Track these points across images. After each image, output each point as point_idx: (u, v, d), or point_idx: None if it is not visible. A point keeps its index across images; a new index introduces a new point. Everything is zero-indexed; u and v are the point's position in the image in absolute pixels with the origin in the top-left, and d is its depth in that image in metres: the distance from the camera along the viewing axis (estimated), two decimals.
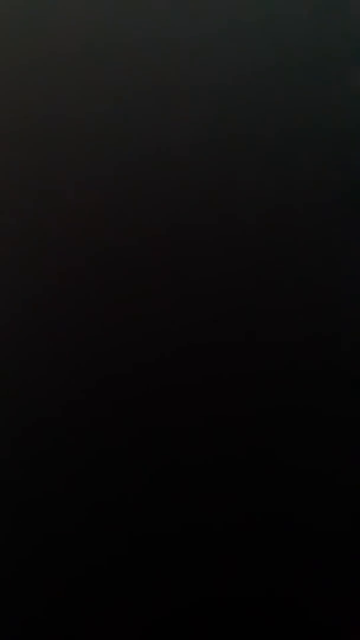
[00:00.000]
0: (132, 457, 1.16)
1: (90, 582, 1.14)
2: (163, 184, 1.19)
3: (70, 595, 1.13)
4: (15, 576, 1.13)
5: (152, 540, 1.14)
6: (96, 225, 1.19)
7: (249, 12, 1.22)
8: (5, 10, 1.21)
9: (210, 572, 1.14)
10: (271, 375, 1.17)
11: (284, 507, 1.15)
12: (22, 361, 1.17)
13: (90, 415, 1.16)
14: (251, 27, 1.21)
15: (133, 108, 1.21)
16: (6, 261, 1.18)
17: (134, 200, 1.19)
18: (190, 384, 1.17)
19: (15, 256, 1.18)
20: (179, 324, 1.18)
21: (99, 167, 1.20)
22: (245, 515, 1.15)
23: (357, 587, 1.14)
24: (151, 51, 1.21)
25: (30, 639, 1.13)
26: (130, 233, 1.19)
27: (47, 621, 1.13)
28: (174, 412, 1.16)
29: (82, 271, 1.18)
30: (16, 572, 1.14)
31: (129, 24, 1.21)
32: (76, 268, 1.18)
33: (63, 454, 1.15)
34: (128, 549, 1.14)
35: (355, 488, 1.15)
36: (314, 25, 1.22)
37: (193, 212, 1.19)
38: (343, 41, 1.22)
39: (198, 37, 1.21)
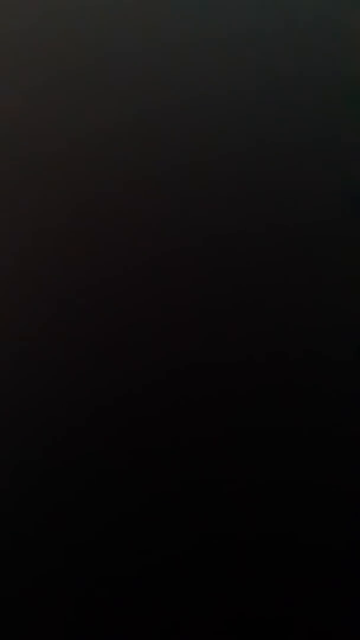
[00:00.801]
0: (131, 475, 1.16)
1: (93, 595, 1.14)
2: (158, 198, 1.19)
3: (72, 609, 1.13)
4: (15, 585, 1.14)
5: (153, 556, 1.14)
6: (95, 238, 1.19)
7: (248, 16, 1.22)
8: (5, 10, 1.21)
9: (211, 587, 1.14)
10: (270, 392, 1.17)
11: (284, 523, 1.15)
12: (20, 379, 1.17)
13: (91, 432, 1.16)
14: (249, 33, 1.22)
15: (132, 108, 1.21)
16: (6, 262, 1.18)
17: (131, 212, 1.19)
18: (190, 402, 1.17)
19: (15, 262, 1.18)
20: (177, 342, 1.18)
21: (99, 166, 1.20)
22: (247, 531, 1.15)
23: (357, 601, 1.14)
24: (150, 55, 1.21)
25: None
26: (129, 242, 1.19)
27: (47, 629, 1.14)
28: (175, 429, 1.16)
29: (81, 284, 1.18)
30: (17, 582, 1.14)
31: (129, 25, 1.21)
32: (74, 281, 1.18)
33: (65, 472, 1.16)
34: (129, 565, 1.14)
35: (354, 500, 1.15)
36: (311, 30, 1.22)
37: (191, 226, 1.19)
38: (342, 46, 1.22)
39: (197, 43, 1.21)
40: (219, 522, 1.15)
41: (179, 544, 1.14)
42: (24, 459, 1.15)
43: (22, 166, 1.19)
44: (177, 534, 1.14)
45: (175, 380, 1.16)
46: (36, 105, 1.20)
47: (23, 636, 1.12)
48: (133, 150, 1.20)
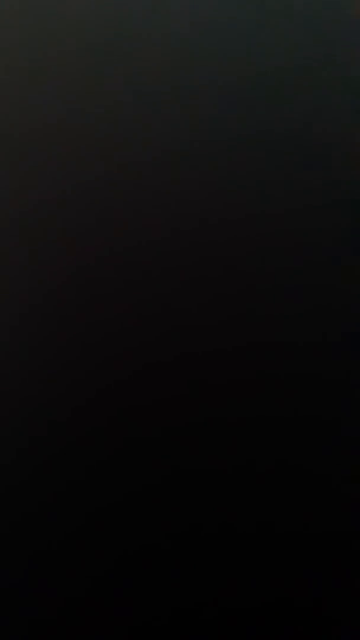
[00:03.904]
0: (131, 465, 1.16)
1: (90, 590, 1.14)
2: (160, 196, 1.19)
3: (69, 605, 1.14)
4: (14, 586, 1.15)
5: (152, 548, 1.15)
6: (94, 231, 1.19)
7: (248, 18, 1.21)
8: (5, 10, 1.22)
9: (210, 579, 1.15)
10: (271, 382, 1.17)
11: (284, 513, 1.15)
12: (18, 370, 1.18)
13: (89, 423, 1.16)
14: (250, 39, 1.21)
15: (132, 109, 1.21)
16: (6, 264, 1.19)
17: (132, 209, 1.19)
18: (189, 391, 1.17)
19: (15, 261, 1.19)
20: (178, 331, 1.18)
21: (99, 167, 1.20)
22: (246, 522, 1.16)
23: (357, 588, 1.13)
24: (151, 52, 1.21)
25: None
26: (129, 238, 1.19)
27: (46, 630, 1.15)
28: (173, 419, 1.17)
29: (80, 275, 1.19)
30: (15, 583, 1.15)
31: (128, 25, 1.21)
32: (74, 273, 1.19)
33: (62, 462, 1.16)
34: (127, 557, 1.15)
35: (355, 492, 1.15)
36: (313, 36, 1.21)
37: (192, 228, 1.19)
38: (343, 48, 1.21)
39: (198, 43, 1.21)
40: (217, 513, 1.15)
41: (176, 535, 1.15)
42: (16, 451, 1.16)
43: (22, 163, 1.20)
44: (175, 525, 1.15)
45: (172, 370, 1.17)
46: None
47: (21, 634, 1.14)
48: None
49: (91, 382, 1.17)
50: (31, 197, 1.19)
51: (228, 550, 1.15)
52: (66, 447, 1.16)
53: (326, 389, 1.17)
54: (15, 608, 1.14)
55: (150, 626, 1.13)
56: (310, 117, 1.20)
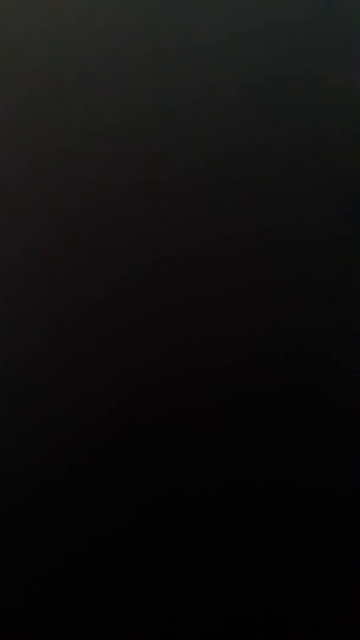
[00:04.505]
0: (134, 479, 1.15)
1: (92, 601, 1.14)
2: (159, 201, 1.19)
3: (72, 613, 1.13)
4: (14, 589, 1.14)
5: (154, 560, 1.14)
6: (97, 235, 1.18)
7: (248, 20, 1.21)
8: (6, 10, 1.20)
9: (211, 592, 1.15)
10: (273, 393, 1.17)
11: (285, 528, 1.15)
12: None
13: (92, 434, 1.16)
14: (250, 39, 1.21)
15: (131, 111, 1.20)
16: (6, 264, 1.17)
17: (130, 216, 1.19)
18: (193, 406, 1.17)
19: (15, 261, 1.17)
20: (180, 345, 1.18)
21: (99, 167, 1.19)
22: (249, 536, 1.15)
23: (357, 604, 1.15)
24: (149, 59, 1.20)
25: None
26: (132, 242, 1.18)
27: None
28: (177, 433, 1.16)
29: (82, 281, 1.17)
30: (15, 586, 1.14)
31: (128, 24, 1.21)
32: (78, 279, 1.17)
33: (65, 474, 1.15)
34: (129, 569, 1.14)
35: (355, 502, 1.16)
36: (313, 35, 1.22)
37: (192, 230, 1.19)
38: (343, 49, 1.22)
39: (196, 46, 1.21)
40: (220, 527, 1.15)
41: (179, 549, 1.14)
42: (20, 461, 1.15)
43: (21, 167, 1.18)
44: (178, 538, 1.14)
45: (176, 382, 1.16)
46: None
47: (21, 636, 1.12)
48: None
49: (90, 395, 1.16)
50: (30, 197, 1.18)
51: (228, 564, 1.15)
52: (66, 446, 1.15)
53: (327, 400, 1.18)
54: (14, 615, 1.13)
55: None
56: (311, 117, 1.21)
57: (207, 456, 1.15)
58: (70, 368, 1.16)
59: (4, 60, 1.19)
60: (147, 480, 1.15)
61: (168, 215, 1.18)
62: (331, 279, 1.19)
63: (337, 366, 1.17)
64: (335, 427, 1.16)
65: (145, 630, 1.12)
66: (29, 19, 1.20)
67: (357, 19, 1.22)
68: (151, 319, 1.17)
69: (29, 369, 1.15)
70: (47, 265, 1.17)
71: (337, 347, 1.18)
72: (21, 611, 1.12)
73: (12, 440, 1.14)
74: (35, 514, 1.14)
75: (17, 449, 1.14)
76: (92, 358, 1.16)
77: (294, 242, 1.19)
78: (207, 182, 1.19)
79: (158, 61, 1.20)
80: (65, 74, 1.20)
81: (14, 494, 1.14)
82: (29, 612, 1.12)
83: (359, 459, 1.16)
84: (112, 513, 1.14)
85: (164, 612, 1.13)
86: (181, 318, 1.18)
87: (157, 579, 1.13)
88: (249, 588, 1.14)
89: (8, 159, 1.18)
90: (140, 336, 1.17)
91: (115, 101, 1.20)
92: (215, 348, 1.17)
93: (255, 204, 1.19)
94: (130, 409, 1.15)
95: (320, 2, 1.21)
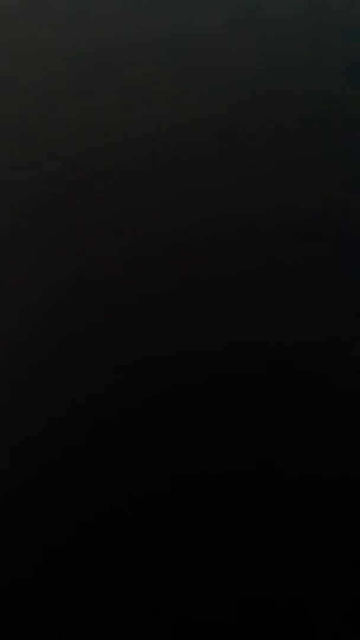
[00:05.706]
0: (132, 465, 1.15)
1: (91, 590, 1.13)
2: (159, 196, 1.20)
3: (69, 606, 1.12)
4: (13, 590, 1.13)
5: (154, 548, 1.14)
6: (94, 230, 1.19)
7: (247, 16, 1.22)
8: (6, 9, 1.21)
9: (212, 579, 1.14)
10: (273, 381, 1.17)
11: (285, 515, 1.15)
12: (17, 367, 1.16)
13: (88, 422, 1.15)
14: (248, 32, 1.22)
15: (131, 109, 1.21)
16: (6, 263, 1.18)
17: (131, 211, 1.19)
18: (191, 388, 1.17)
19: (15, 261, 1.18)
20: (178, 330, 1.18)
21: (99, 166, 1.20)
22: (247, 524, 1.15)
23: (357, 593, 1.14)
24: (148, 54, 1.21)
25: None
26: (128, 237, 1.19)
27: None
28: (174, 418, 1.16)
29: (80, 274, 1.18)
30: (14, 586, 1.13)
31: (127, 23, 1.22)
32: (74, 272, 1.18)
33: (63, 461, 1.15)
34: (129, 557, 1.14)
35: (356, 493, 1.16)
36: (312, 28, 1.23)
37: (191, 224, 1.19)
38: (343, 45, 1.23)
39: (194, 43, 1.22)
40: (221, 517, 1.15)
41: (178, 534, 1.14)
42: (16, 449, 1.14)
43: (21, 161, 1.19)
44: (178, 523, 1.14)
45: (171, 368, 1.16)
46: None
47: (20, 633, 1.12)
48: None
49: (86, 381, 1.16)
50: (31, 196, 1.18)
51: (229, 553, 1.14)
52: (65, 442, 1.15)
53: (329, 390, 1.17)
54: (14, 610, 1.12)
55: (149, 632, 1.12)
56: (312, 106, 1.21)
57: (209, 441, 1.16)
58: (64, 351, 1.16)
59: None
60: (146, 466, 1.15)
61: (167, 201, 1.19)
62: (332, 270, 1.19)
63: (346, 350, 1.18)
64: (340, 413, 1.16)
65: (146, 615, 1.12)
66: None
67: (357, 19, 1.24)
68: (152, 301, 1.18)
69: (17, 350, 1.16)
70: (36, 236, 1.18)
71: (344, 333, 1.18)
72: (20, 595, 1.12)
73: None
74: (33, 500, 1.14)
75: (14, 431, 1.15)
76: (87, 336, 1.16)
77: (293, 240, 1.20)
78: (206, 173, 1.20)
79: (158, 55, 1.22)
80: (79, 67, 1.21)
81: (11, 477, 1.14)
82: (28, 596, 1.12)
83: None
84: (111, 498, 1.14)
85: (165, 596, 1.13)
86: (180, 299, 1.18)
87: (158, 564, 1.13)
88: (250, 573, 1.14)
89: (8, 159, 1.20)
90: (141, 315, 1.17)
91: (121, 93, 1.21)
92: (217, 331, 1.18)
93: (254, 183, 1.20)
94: (132, 389, 1.16)
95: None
